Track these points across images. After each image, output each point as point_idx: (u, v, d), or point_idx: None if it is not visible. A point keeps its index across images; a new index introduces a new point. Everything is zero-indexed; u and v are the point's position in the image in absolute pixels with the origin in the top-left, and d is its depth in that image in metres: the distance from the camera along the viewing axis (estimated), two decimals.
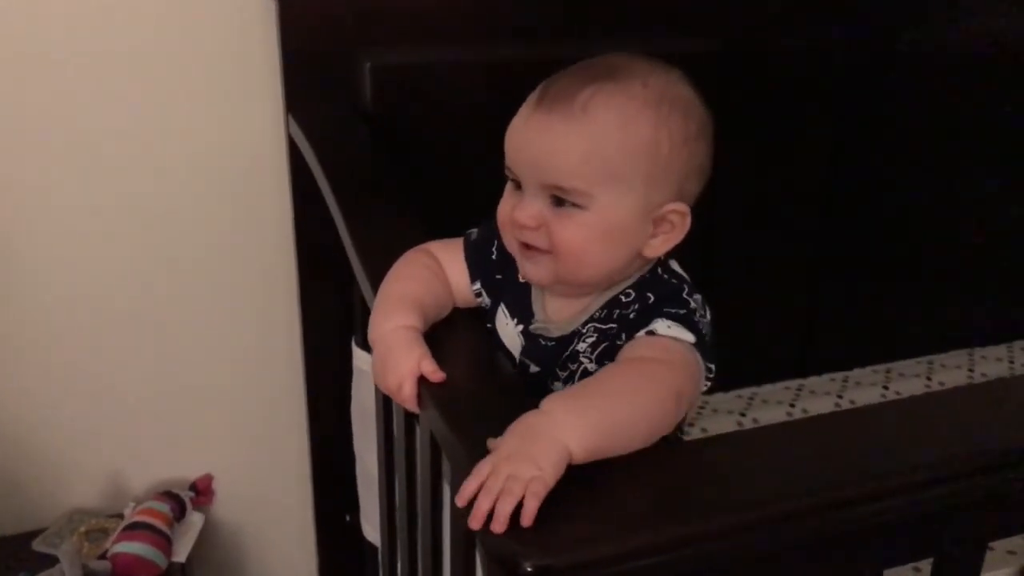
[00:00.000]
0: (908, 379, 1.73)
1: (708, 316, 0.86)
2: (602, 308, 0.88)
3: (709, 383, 0.84)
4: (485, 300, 0.96)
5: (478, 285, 0.95)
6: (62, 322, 1.37)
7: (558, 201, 0.83)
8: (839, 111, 1.58)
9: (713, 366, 0.83)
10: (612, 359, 0.84)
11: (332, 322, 1.38)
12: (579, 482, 0.66)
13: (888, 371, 1.76)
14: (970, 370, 1.77)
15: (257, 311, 1.45)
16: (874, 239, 1.70)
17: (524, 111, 0.86)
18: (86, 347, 1.40)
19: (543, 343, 0.90)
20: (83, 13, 1.24)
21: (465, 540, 0.79)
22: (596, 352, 0.87)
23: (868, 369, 1.77)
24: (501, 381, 0.80)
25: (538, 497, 0.63)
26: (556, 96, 0.83)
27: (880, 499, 0.69)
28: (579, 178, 0.82)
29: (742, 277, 1.61)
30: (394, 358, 0.81)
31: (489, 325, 0.96)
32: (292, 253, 1.40)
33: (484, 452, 0.69)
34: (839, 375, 1.74)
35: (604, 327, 0.87)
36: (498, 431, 0.69)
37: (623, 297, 0.87)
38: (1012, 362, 1.81)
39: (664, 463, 0.70)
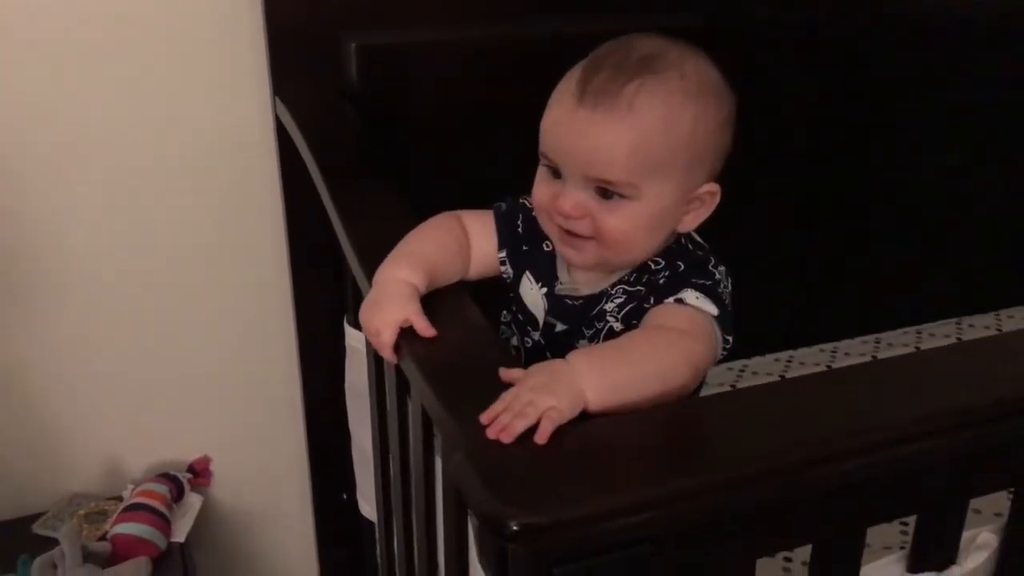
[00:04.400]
0: (897, 349, 1.74)
1: (730, 287, 0.91)
2: (631, 272, 0.93)
3: (725, 353, 0.89)
4: (508, 270, 1.01)
5: (504, 253, 1.00)
6: (58, 307, 1.38)
7: (603, 192, 0.87)
8: (823, 84, 1.58)
9: (731, 338, 0.88)
10: (638, 319, 0.89)
11: (324, 302, 1.38)
12: (564, 442, 0.67)
13: (877, 341, 1.78)
14: (958, 338, 1.79)
15: (250, 292, 1.46)
16: (861, 211, 1.71)
17: (564, 103, 0.88)
18: (82, 332, 1.40)
19: (569, 303, 0.96)
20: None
21: (457, 508, 0.80)
22: (623, 312, 0.92)
23: (857, 340, 1.78)
24: (491, 354, 0.81)
25: (552, 422, 0.68)
26: (599, 92, 0.86)
27: (862, 455, 0.70)
28: (627, 172, 0.86)
29: (729, 251, 1.61)
30: (386, 304, 0.85)
31: (512, 294, 1.01)
32: (283, 234, 1.40)
33: (473, 425, 0.70)
34: (828, 346, 1.76)
35: (632, 289, 0.92)
36: (487, 403, 0.70)
37: (652, 264, 0.92)
38: (999, 330, 1.83)
39: (649, 423, 0.71)
